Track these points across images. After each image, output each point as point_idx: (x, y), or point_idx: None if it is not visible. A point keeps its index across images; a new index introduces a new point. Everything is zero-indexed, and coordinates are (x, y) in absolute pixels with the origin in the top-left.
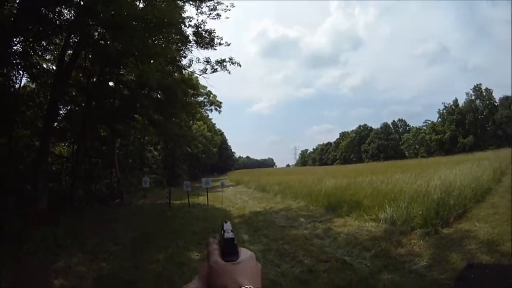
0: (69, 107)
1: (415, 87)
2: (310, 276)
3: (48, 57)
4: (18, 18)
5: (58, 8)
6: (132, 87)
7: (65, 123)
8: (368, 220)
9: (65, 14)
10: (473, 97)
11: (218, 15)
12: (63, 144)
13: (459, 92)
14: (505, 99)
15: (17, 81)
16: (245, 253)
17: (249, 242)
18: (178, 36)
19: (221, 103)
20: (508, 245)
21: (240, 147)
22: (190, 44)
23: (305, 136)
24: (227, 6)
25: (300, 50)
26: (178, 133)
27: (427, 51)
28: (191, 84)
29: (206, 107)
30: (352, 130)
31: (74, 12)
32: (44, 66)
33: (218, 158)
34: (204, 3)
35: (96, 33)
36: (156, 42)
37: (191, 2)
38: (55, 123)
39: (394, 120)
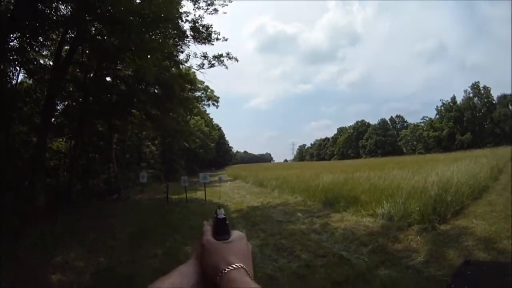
0: (66, 102)
1: (414, 84)
2: (307, 271)
3: (45, 52)
4: (15, 14)
5: (55, 3)
6: (129, 82)
7: (63, 119)
8: (365, 216)
9: (62, 10)
10: (471, 95)
11: (216, 10)
12: (60, 139)
13: (458, 90)
14: (503, 97)
15: (14, 77)
16: (236, 234)
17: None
18: (175, 31)
19: (218, 98)
20: (505, 243)
21: (237, 142)
22: (187, 39)
23: (303, 132)
24: (225, 1)
25: (298, 46)
26: (175, 128)
27: (426, 48)
28: (189, 79)
29: (203, 102)
30: (350, 126)
31: (71, 8)
32: (41, 61)
33: (216, 153)
34: None
35: (93, 29)
36: (153, 37)
37: None
38: (53, 119)
39: (392, 116)
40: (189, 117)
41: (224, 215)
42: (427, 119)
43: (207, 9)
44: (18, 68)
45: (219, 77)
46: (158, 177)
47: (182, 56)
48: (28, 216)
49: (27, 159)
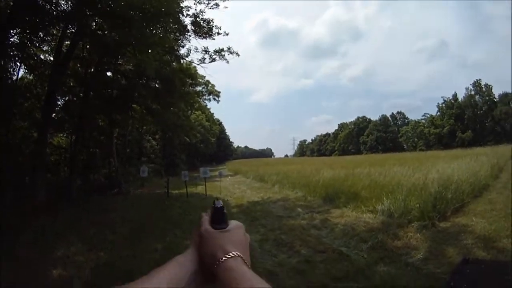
0: (67, 97)
1: (415, 81)
2: (307, 266)
3: (45, 48)
4: (15, 9)
5: None
6: (130, 76)
7: (63, 114)
8: (365, 212)
9: (62, 5)
10: (472, 92)
11: (217, 4)
12: (61, 134)
13: (459, 88)
14: (505, 95)
15: (15, 72)
16: (234, 223)
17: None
18: (176, 26)
19: (219, 92)
20: (504, 242)
21: (238, 137)
22: (188, 34)
23: (303, 127)
24: None
25: (299, 40)
26: (176, 123)
27: (428, 46)
28: (189, 73)
29: (204, 97)
30: (351, 122)
31: (71, 3)
32: (42, 57)
33: (217, 147)
34: None
35: (94, 23)
36: (154, 31)
37: None
38: (53, 114)
39: (393, 113)
40: (190, 111)
41: (222, 204)
42: (428, 116)
43: (208, 3)
44: (18, 64)
45: (220, 72)
46: (159, 172)
47: (183, 51)
48: (28, 211)
49: (27, 154)
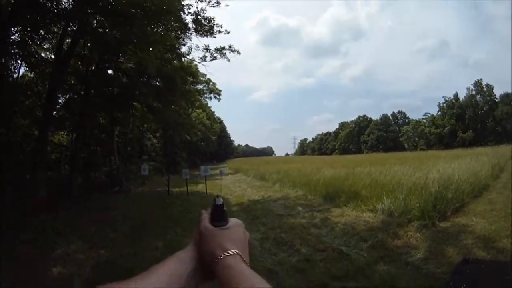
0: (68, 95)
1: (416, 80)
2: (307, 265)
3: (46, 46)
4: (16, 7)
5: None
6: (131, 74)
7: (64, 112)
8: (365, 211)
9: (63, 3)
10: (473, 92)
11: (218, 2)
12: (62, 132)
13: (459, 88)
14: (506, 95)
15: (15, 70)
16: (234, 221)
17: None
18: (177, 24)
19: (220, 91)
20: (504, 242)
21: (239, 136)
22: (190, 32)
23: (304, 126)
24: None
25: (300, 39)
26: (177, 121)
27: (429, 45)
28: (190, 71)
29: (205, 95)
30: (352, 121)
31: (72, 0)
32: (43, 55)
33: (217, 146)
34: None
35: (95, 21)
36: (155, 29)
37: None
38: (54, 112)
39: (394, 112)
40: (190, 110)
41: (222, 202)
42: (429, 115)
43: (210, 1)
44: (19, 62)
45: (221, 70)
46: (160, 170)
47: (184, 49)
48: (29, 208)
49: (28, 152)
